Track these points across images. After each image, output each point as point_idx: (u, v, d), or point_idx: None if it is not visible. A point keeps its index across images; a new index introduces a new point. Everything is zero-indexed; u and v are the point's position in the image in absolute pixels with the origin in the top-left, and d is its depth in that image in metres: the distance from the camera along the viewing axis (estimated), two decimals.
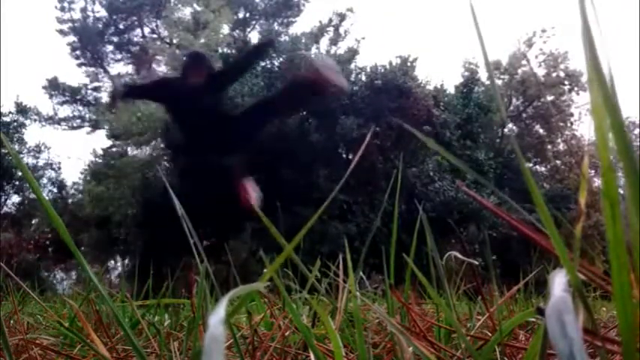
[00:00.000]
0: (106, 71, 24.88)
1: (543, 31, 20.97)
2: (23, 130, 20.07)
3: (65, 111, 23.84)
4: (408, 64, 16.63)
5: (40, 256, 17.04)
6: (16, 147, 19.09)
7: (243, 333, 1.08)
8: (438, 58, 37.74)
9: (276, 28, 23.45)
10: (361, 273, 1.28)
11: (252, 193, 4.34)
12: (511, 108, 21.22)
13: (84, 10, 24.12)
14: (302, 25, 30.45)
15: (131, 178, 16.25)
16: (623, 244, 0.34)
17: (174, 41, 21.88)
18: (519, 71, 21.28)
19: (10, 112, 19.69)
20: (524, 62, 21.11)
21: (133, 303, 1.41)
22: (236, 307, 0.65)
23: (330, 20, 22.23)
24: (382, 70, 16.18)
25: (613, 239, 0.34)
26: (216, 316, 0.31)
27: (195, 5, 21.34)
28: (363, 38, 24.76)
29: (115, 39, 24.83)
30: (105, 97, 23.31)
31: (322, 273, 1.35)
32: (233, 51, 18.81)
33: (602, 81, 0.33)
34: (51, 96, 23.45)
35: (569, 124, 21.68)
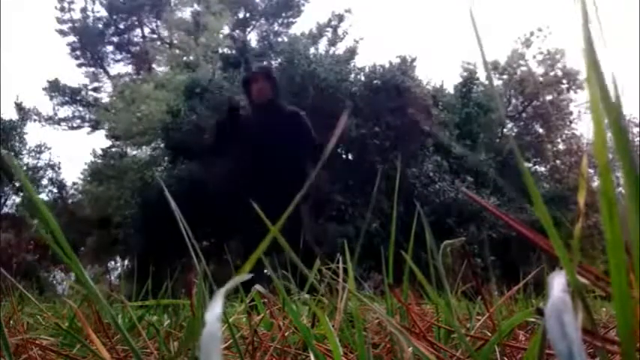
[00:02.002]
0: (106, 71, 24.89)
1: (539, 30, 20.97)
2: (23, 130, 20.07)
3: (65, 111, 23.87)
4: (407, 63, 16.64)
5: (40, 257, 17.03)
6: (17, 147, 19.08)
7: (242, 333, 1.08)
8: (437, 58, 37.72)
9: (276, 28, 23.47)
10: (356, 274, 1.27)
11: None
12: (510, 108, 21.22)
13: (84, 10, 24.14)
14: (301, 25, 30.43)
15: (131, 179, 16.25)
16: (622, 243, 0.34)
17: (175, 42, 21.89)
18: (518, 71, 21.27)
19: (11, 120, 19.70)
20: (522, 62, 21.10)
21: (131, 304, 1.41)
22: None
23: (329, 21, 22.25)
24: (381, 70, 16.18)
25: (611, 239, 0.34)
26: (213, 313, 0.31)
27: (195, 6, 21.35)
28: (362, 39, 24.74)
29: (115, 39, 24.83)
30: (105, 98, 23.33)
31: (321, 274, 1.34)
32: (233, 51, 18.81)
33: (599, 78, 0.33)
34: (51, 97, 23.48)
35: (568, 123, 21.69)
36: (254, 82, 4.62)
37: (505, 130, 20.10)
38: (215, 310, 0.31)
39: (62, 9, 24.02)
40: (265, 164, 4.44)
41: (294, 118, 4.63)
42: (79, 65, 24.70)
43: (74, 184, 20.41)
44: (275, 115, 4.55)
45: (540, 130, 21.70)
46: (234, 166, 5.19)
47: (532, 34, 21.14)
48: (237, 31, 23.26)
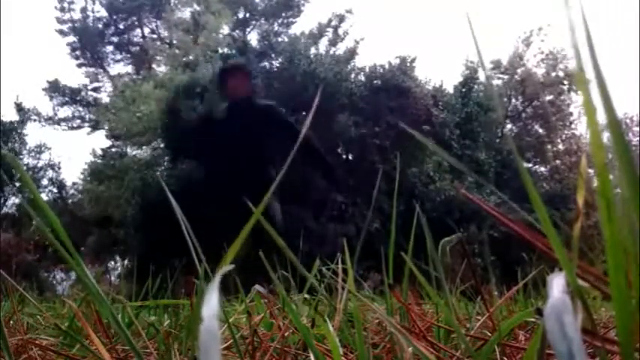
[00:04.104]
0: (105, 71, 24.89)
1: (540, 29, 20.93)
2: (23, 130, 20.06)
3: (65, 111, 23.86)
4: (407, 63, 16.63)
5: (39, 257, 17.02)
6: (17, 148, 19.09)
7: (242, 333, 1.08)
8: (437, 58, 37.69)
9: (276, 28, 23.46)
10: (356, 274, 1.27)
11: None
12: (510, 108, 21.19)
13: (84, 10, 24.12)
14: (302, 25, 30.39)
15: (131, 179, 16.24)
16: (621, 244, 0.34)
17: (174, 42, 21.90)
18: (519, 70, 21.24)
19: (11, 122, 19.69)
20: (523, 62, 21.07)
21: (131, 304, 1.41)
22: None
23: (330, 21, 22.23)
24: (381, 70, 16.19)
25: (610, 239, 0.34)
26: (210, 308, 0.30)
27: (195, 6, 21.35)
28: (362, 39, 24.71)
29: (115, 39, 24.84)
30: (105, 98, 23.33)
31: (322, 274, 1.34)
32: (233, 51, 18.79)
33: (596, 75, 0.32)
34: (51, 97, 23.47)
35: (568, 124, 21.69)
36: (230, 78, 4.68)
37: (505, 129, 20.09)
38: (211, 305, 0.31)
39: (62, 9, 24.02)
40: (241, 163, 4.51)
41: (269, 113, 4.70)
42: (79, 65, 24.70)
43: (74, 184, 20.39)
44: (250, 112, 4.61)
45: (540, 131, 21.70)
46: (212, 168, 5.35)
47: (531, 33, 21.12)
48: (237, 31, 23.25)
